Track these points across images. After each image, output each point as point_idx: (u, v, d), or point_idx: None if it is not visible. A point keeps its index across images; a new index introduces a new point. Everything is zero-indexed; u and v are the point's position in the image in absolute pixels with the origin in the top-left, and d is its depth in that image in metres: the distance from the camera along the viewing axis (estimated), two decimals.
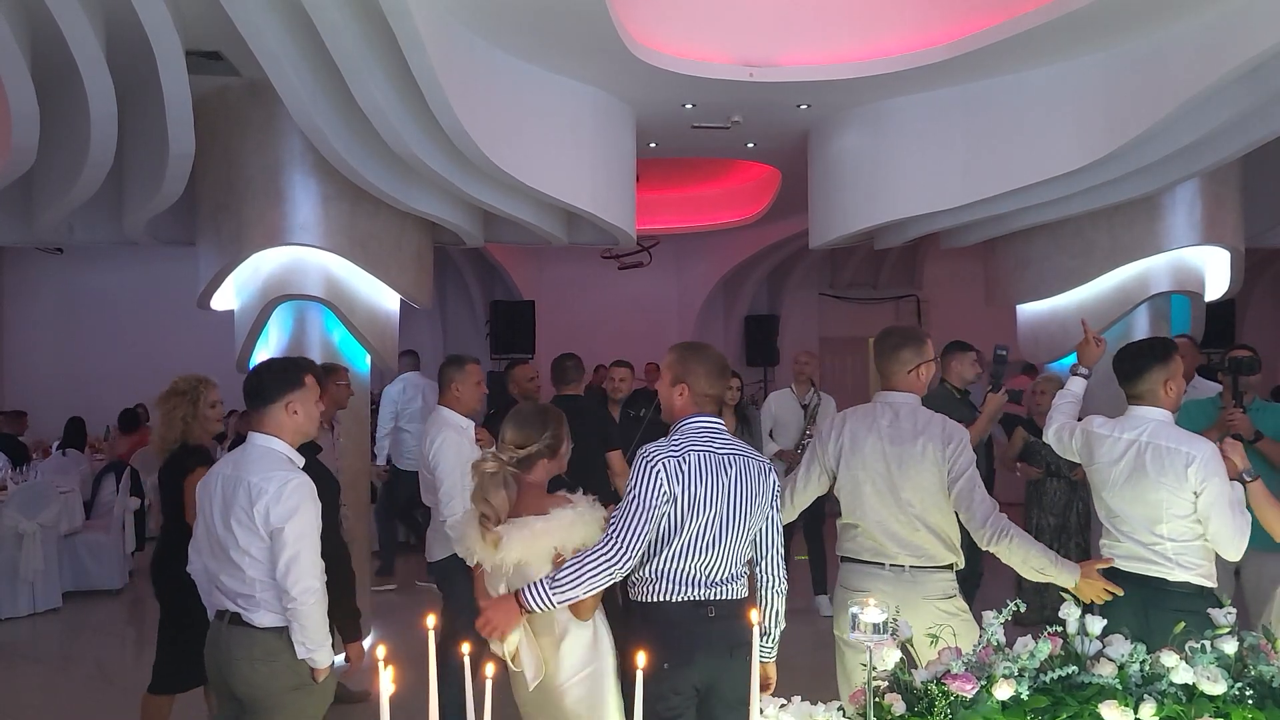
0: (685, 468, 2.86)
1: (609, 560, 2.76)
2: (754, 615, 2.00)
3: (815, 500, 3.74)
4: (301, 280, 6.18)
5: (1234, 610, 2.51)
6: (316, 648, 3.05)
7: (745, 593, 2.96)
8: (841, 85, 6.32)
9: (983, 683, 2.22)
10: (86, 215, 6.59)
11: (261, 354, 6.31)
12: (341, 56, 4.49)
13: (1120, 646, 2.32)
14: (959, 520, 3.49)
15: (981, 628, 2.41)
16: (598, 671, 2.90)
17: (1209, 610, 2.51)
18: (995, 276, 7.79)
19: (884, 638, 2.16)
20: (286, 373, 3.24)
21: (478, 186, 5.97)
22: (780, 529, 3.07)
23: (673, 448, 2.90)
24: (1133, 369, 3.50)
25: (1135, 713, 2.18)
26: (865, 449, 3.51)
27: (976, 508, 3.39)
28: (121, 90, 4.87)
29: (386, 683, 1.68)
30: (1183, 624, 2.49)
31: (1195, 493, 3.28)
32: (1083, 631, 2.38)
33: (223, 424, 4.89)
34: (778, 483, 3.06)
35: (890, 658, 2.27)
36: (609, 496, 3.60)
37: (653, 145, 7.86)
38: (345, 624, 3.68)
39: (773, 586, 3.04)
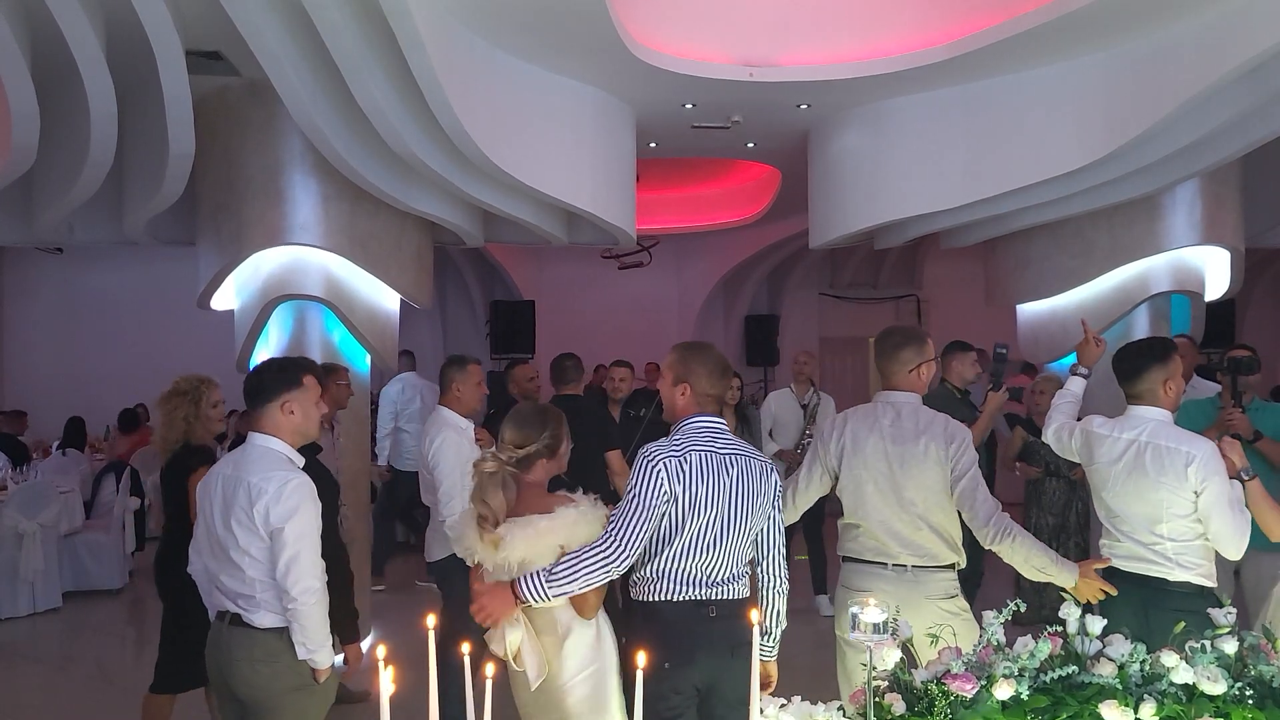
0: (686, 467, 2.86)
1: (607, 557, 2.76)
2: (754, 615, 2.00)
3: (816, 500, 3.74)
4: (301, 280, 6.18)
5: (1234, 610, 2.51)
6: (317, 648, 3.04)
7: (746, 593, 2.96)
8: (841, 85, 6.32)
9: (983, 683, 2.23)
10: (86, 215, 6.59)
11: (262, 354, 6.31)
12: (341, 56, 4.49)
13: (1120, 646, 2.33)
14: (960, 519, 3.49)
15: (982, 627, 2.41)
16: (600, 671, 2.89)
17: (1209, 610, 2.51)
18: (995, 276, 7.79)
19: (884, 637, 2.17)
20: (285, 372, 3.23)
21: (478, 186, 5.97)
22: (782, 529, 3.07)
23: (674, 447, 2.90)
24: (1132, 369, 3.50)
25: (1135, 713, 2.19)
26: (867, 449, 3.52)
27: (979, 507, 3.40)
28: (121, 90, 4.88)
29: (386, 683, 1.68)
30: (1183, 624, 2.49)
31: (1195, 492, 3.29)
32: (1083, 631, 2.38)
33: (224, 424, 4.88)
34: (780, 483, 3.06)
35: (890, 657, 2.28)
36: (608, 496, 3.59)
37: (653, 145, 7.85)
38: (343, 625, 3.66)
39: (774, 586, 3.04)
